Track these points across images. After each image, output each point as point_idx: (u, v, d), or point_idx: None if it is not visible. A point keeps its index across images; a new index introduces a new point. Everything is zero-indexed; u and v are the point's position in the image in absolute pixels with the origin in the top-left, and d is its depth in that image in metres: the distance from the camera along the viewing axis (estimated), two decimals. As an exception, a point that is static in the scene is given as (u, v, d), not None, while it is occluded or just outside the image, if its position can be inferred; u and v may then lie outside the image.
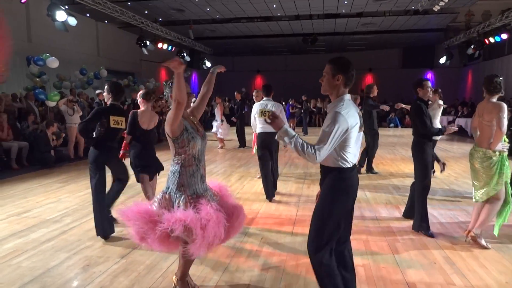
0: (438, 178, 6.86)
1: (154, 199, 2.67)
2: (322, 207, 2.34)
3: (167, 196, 2.60)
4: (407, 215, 4.53)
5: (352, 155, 2.32)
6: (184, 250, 2.50)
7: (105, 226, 3.94)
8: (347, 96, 2.33)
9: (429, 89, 4.10)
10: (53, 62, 9.10)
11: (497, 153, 3.55)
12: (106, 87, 4.18)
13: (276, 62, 23.80)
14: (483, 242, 3.66)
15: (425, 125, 3.96)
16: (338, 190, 2.31)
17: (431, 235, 3.94)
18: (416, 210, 4.08)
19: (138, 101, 4.85)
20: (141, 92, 4.87)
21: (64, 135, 8.62)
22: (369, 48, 22.03)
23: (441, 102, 6.86)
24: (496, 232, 3.72)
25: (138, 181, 4.75)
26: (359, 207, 5.08)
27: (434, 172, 6.88)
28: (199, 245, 2.39)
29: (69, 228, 4.31)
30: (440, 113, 6.84)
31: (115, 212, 3.96)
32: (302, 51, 22.34)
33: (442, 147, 11.15)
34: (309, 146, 2.15)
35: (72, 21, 9.65)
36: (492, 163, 3.56)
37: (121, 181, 4.37)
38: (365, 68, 22.65)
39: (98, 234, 3.94)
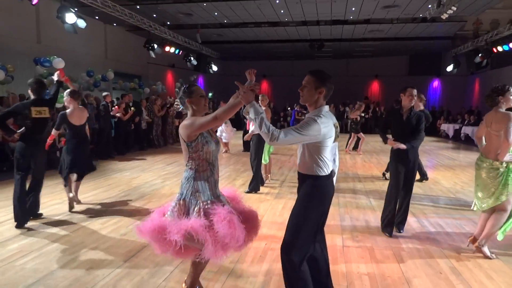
0: (445, 187, 6.79)
1: (169, 209, 2.62)
2: (297, 213, 2.42)
3: (181, 203, 2.56)
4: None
5: (328, 164, 2.41)
6: (198, 255, 2.48)
7: (19, 217, 4.38)
8: (326, 108, 2.44)
9: (412, 97, 4.10)
10: (59, 63, 9.16)
11: (504, 164, 3.51)
12: (29, 83, 4.58)
13: (282, 67, 23.81)
14: (487, 251, 3.63)
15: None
16: (313, 197, 2.40)
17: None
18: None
19: (64, 100, 5.17)
20: (67, 90, 5.18)
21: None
22: (376, 55, 21.98)
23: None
24: (500, 237, 3.67)
25: (64, 178, 5.10)
26: (364, 214, 5.04)
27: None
28: (212, 249, 2.36)
29: (73, 230, 4.31)
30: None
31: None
32: (308, 56, 22.33)
33: (449, 155, 11.07)
34: (275, 128, 2.20)
35: (82, 23, 9.73)
36: (499, 174, 3.52)
37: (35, 179, 4.63)
38: (372, 75, 22.60)
39: (15, 221, 4.37)
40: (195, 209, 2.51)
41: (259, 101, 6.40)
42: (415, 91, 4.11)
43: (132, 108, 10.31)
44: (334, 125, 2.42)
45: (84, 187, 6.31)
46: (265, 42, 18.66)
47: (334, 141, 2.45)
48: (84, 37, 12.19)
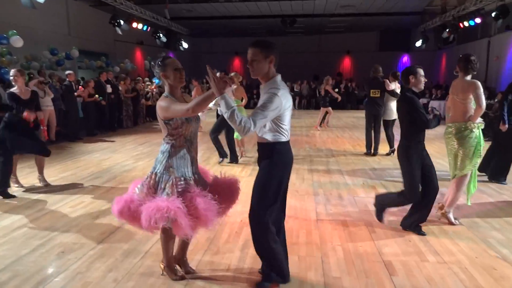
0: (413, 159, 7.02)
1: (140, 182, 2.63)
2: (261, 179, 2.46)
3: (153, 176, 2.55)
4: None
5: (287, 131, 2.47)
6: (168, 231, 2.49)
7: None
8: (279, 77, 2.43)
9: (423, 79, 3.50)
10: (17, 41, 8.60)
11: (476, 125, 3.65)
12: None
13: (254, 44, 23.51)
14: (452, 218, 3.80)
15: (425, 119, 3.34)
16: (276, 162, 2.45)
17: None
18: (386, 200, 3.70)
19: (12, 79, 4.98)
20: (14, 70, 5.02)
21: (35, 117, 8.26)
22: (347, 30, 22.03)
23: (398, 86, 7.01)
24: (469, 203, 3.94)
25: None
26: (337, 187, 5.15)
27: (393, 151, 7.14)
28: (182, 226, 2.35)
29: (42, 214, 4.17)
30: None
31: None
32: (280, 33, 22.06)
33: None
34: (246, 120, 2.21)
35: (40, -3, 9.12)
36: (469, 135, 3.63)
37: None
38: (343, 50, 22.72)
39: None
40: (167, 184, 2.48)
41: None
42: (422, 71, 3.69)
43: (96, 96, 9.86)
44: (289, 93, 2.48)
45: (52, 170, 6.08)
46: (237, 18, 18.24)
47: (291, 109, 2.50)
48: (43, 13, 11.45)
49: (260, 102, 2.33)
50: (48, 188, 5.16)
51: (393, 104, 6.97)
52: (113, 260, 3.09)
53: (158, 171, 2.54)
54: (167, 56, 2.61)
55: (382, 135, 7.33)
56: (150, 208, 2.36)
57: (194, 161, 2.64)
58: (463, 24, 13.72)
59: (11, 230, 3.72)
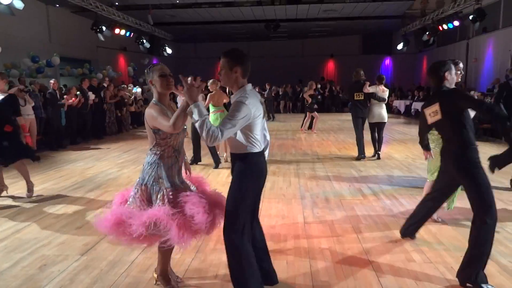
0: (398, 160, 7.13)
1: (131, 194, 2.57)
2: (234, 191, 2.41)
3: (143, 188, 2.51)
4: (407, 233, 3.46)
5: (259, 141, 2.43)
6: (164, 241, 2.42)
7: None
8: (249, 87, 2.42)
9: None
10: None
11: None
12: None
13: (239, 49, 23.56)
14: (434, 216, 3.76)
15: (493, 109, 2.70)
16: (248, 174, 2.41)
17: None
18: (475, 258, 2.65)
19: None
20: None
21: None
22: (331, 34, 22.31)
23: (382, 89, 7.16)
24: (450, 207, 3.86)
25: None
26: (324, 191, 5.17)
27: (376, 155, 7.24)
28: (178, 235, 2.31)
29: (23, 227, 4.05)
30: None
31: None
32: (264, 37, 22.21)
33: (401, 130, 11.61)
34: (213, 126, 2.17)
35: (18, 3, 8.91)
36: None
37: None
38: (327, 54, 22.99)
39: None
40: (159, 196, 2.46)
41: (208, 85, 6.78)
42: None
43: (78, 92, 9.63)
44: (260, 102, 2.43)
45: (34, 180, 5.87)
46: (220, 23, 18.27)
47: (263, 118, 2.47)
48: (23, 20, 11.24)
49: (229, 112, 2.30)
50: (29, 199, 5.03)
51: (377, 107, 7.05)
52: (97, 272, 3.02)
53: (148, 183, 2.50)
54: (156, 64, 2.59)
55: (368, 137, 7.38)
56: (142, 219, 2.32)
57: (180, 170, 2.62)
58: (442, 27, 14.06)
59: (-10, 244, 3.60)
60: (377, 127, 7.16)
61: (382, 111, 7.06)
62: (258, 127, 2.39)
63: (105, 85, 11.48)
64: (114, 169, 6.78)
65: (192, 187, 2.68)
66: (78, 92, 9.70)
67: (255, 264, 2.43)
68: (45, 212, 4.50)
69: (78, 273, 3.00)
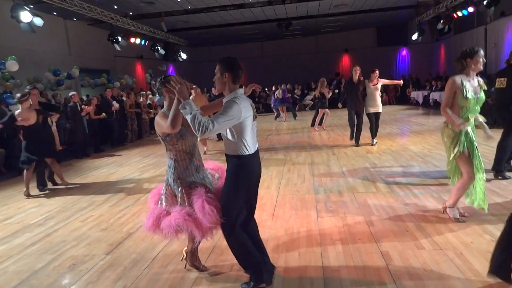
0: (413, 152, 7.10)
1: (161, 192, 2.85)
2: (227, 192, 2.62)
3: (168, 188, 2.80)
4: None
5: (251, 143, 2.58)
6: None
7: None
8: (240, 91, 2.59)
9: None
10: (12, 65, 8.84)
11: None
12: None
13: (252, 50, 23.68)
14: (451, 213, 3.68)
15: None
16: (239, 176, 2.57)
17: None
18: None
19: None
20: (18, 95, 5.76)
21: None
22: (344, 29, 22.13)
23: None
24: (485, 207, 3.59)
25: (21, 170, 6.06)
26: (338, 185, 5.25)
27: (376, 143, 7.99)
28: (200, 232, 2.59)
29: (53, 231, 4.33)
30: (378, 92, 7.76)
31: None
32: (277, 36, 22.26)
33: (418, 122, 11.46)
34: (205, 121, 2.33)
35: (38, 21, 9.38)
36: (451, 135, 3.50)
37: None
38: (341, 49, 22.82)
39: None
40: (179, 194, 2.71)
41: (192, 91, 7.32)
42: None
43: (103, 114, 10.00)
44: (251, 105, 2.60)
45: (59, 187, 6.27)
46: (233, 25, 18.45)
47: (253, 120, 2.63)
48: (44, 35, 11.77)
49: (221, 109, 2.45)
50: (58, 205, 5.34)
51: (374, 99, 7.72)
52: (122, 269, 3.23)
53: (171, 183, 2.78)
54: (169, 74, 2.80)
55: (385, 130, 7.43)
56: (167, 222, 2.62)
57: (199, 168, 2.83)
58: (456, 14, 13.75)
59: (25, 247, 3.89)
60: (375, 117, 7.85)
61: (378, 102, 7.77)
62: (249, 129, 2.55)
63: (123, 98, 11.72)
64: (135, 174, 7.06)
65: (216, 176, 2.97)
66: (104, 114, 10.00)
67: (252, 246, 2.68)
68: (72, 216, 4.79)
69: (104, 271, 3.22)
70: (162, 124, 2.62)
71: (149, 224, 2.71)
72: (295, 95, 17.29)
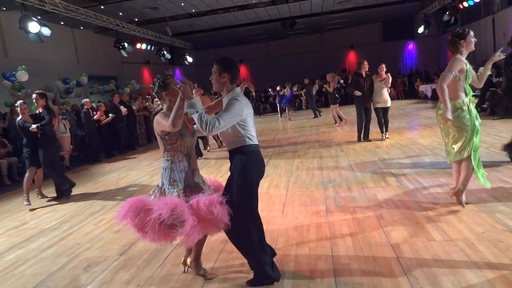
0: (422, 145, 7.05)
1: (150, 192, 2.82)
2: (240, 184, 2.58)
3: (162, 191, 2.76)
4: None
5: (254, 136, 2.66)
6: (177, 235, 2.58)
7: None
8: (238, 90, 2.67)
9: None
10: (22, 76, 9.03)
11: (465, 103, 3.55)
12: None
13: (258, 50, 23.77)
14: (463, 198, 3.72)
15: None
16: (251, 165, 2.59)
17: None
18: None
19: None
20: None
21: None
22: (349, 25, 22.05)
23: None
24: (487, 185, 3.72)
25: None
26: (347, 181, 5.25)
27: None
28: (189, 230, 2.47)
29: (67, 234, 4.42)
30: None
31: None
32: (282, 36, 22.30)
33: (427, 115, 11.36)
34: (210, 117, 2.40)
35: (46, 31, 9.57)
36: (462, 115, 3.54)
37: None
38: (347, 46, 22.74)
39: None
40: (174, 195, 2.67)
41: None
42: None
43: (111, 115, 10.16)
44: (249, 103, 2.68)
45: (73, 192, 6.38)
46: (237, 26, 18.55)
47: (253, 115, 2.71)
48: (52, 45, 12.00)
49: (224, 108, 2.52)
50: (71, 210, 5.44)
51: (381, 93, 7.67)
52: (135, 269, 3.29)
53: (165, 186, 2.74)
54: (167, 77, 2.84)
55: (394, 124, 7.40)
56: (162, 202, 2.50)
57: (194, 172, 2.82)
58: (462, 4, 13.60)
59: (40, 251, 3.98)
60: (383, 112, 7.77)
61: (386, 97, 7.70)
62: (251, 123, 2.65)
63: (133, 106, 11.85)
64: (146, 177, 7.14)
65: (212, 187, 2.90)
66: (110, 114, 10.17)
67: (258, 244, 2.67)
68: (85, 220, 4.88)
69: (118, 271, 3.28)
70: (162, 122, 2.64)
71: (125, 207, 2.59)
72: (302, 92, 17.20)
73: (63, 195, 6.12)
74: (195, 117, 2.40)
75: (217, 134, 8.42)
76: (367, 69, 7.88)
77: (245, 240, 2.65)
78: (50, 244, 4.17)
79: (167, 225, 2.51)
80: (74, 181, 6.40)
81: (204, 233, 2.66)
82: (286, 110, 15.30)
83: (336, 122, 11.40)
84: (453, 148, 3.70)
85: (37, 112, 6.00)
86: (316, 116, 14.62)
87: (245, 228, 2.62)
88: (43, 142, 5.80)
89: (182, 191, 2.68)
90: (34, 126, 5.63)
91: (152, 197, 2.76)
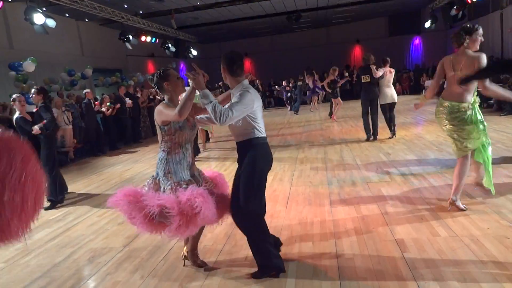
0: (428, 141, 7.00)
1: (145, 183, 2.84)
2: (248, 175, 2.61)
3: (156, 181, 2.76)
4: None
5: (262, 128, 2.70)
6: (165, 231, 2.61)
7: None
8: (246, 82, 2.71)
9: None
10: (29, 66, 9.04)
11: (470, 105, 3.41)
12: None
13: (263, 44, 23.62)
14: (460, 205, 3.55)
15: None
16: (260, 156, 2.64)
17: None
18: None
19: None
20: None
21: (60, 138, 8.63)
22: (355, 19, 21.83)
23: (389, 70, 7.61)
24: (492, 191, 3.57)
25: None
26: (351, 176, 5.22)
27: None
28: (178, 226, 2.48)
29: (72, 225, 4.45)
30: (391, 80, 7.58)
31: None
32: (287, 29, 22.13)
33: (432, 111, 11.24)
34: (224, 108, 2.44)
35: (51, 22, 9.56)
36: (463, 117, 3.41)
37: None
38: (353, 40, 22.54)
39: None
40: (167, 187, 2.66)
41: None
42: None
43: (109, 103, 10.16)
44: (258, 94, 2.71)
45: (78, 184, 6.42)
46: (242, 19, 18.40)
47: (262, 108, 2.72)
48: (57, 36, 11.99)
49: (235, 98, 2.55)
50: (75, 202, 5.47)
51: (387, 89, 7.48)
52: (139, 260, 3.30)
53: (160, 178, 2.74)
54: (167, 68, 2.80)
55: (400, 119, 7.35)
56: (156, 200, 2.52)
57: (190, 165, 2.81)
58: (470, -1, 13.42)
59: (45, 242, 4.00)
60: (389, 108, 7.59)
61: (392, 92, 7.54)
62: (260, 115, 2.67)
63: (138, 94, 11.90)
64: (150, 169, 7.15)
65: (211, 185, 2.87)
66: (109, 103, 10.19)
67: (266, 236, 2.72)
68: (90, 212, 4.90)
69: (122, 262, 3.30)
70: (165, 112, 2.61)
71: (118, 197, 2.62)
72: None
73: (53, 207, 5.30)
74: (208, 107, 2.43)
75: (206, 130, 8.46)
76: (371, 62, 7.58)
77: (252, 230, 2.69)
78: (54, 235, 4.19)
79: (156, 221, 2.55)
80: (78, 173, 6.40)
81: (198, 227, 2.63)
82: (312, 100, 15.12)
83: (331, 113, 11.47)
84: (458, 144, 3.56)
85: (34, 110, 5.62)
86: (291, 110, 15.05)
87: (253, 218, 2.65)
88: (43, 142, 5.30)
89: (175, 184, 2.67)
90: (36, 127, 5.04)
91: (146, 188, 2.76)
